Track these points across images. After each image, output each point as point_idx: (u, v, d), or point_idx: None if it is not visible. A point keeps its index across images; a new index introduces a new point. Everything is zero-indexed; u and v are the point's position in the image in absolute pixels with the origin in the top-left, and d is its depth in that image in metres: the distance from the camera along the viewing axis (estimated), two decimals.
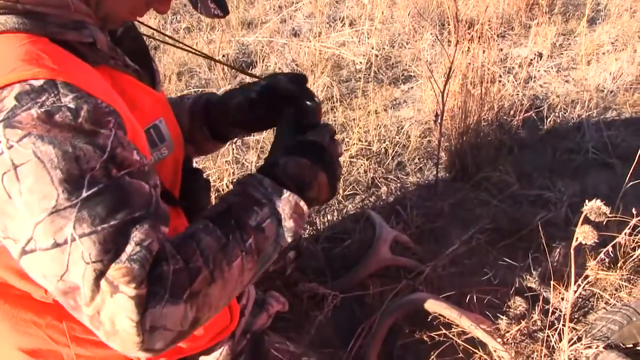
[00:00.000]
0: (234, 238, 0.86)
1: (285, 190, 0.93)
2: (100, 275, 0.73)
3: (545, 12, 3.41)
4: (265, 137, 2.55)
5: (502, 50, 3.23)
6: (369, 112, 2.66)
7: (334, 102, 2.78)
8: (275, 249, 0.92)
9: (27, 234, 0.73)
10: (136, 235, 0.76)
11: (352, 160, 2.45)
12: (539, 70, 3.07)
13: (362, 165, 2.42)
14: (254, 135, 2.57)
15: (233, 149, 2.47)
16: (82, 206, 0.73)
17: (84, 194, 0.74)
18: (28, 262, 0.76)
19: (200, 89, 2.91)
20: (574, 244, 1.22)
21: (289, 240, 0.93)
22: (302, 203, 0.94)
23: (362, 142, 2.52)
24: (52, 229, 0.73)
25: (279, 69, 3.04)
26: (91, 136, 0.76)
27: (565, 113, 2.74)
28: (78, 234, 0.73)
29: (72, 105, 0.75)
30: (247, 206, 0.90)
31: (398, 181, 2.41)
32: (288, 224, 0.92)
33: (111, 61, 0.95)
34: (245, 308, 1.34)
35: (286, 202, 0.92)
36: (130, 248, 0.75)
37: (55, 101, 0.74)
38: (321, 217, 2.24)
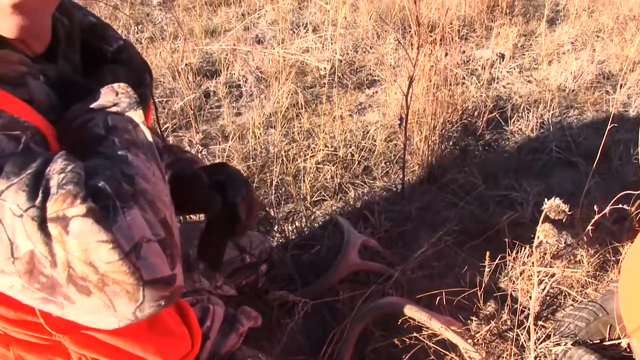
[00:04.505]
0: (107, 150, 0.77)
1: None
2: (41, 220, 0.65)
3: (506, 14, 3.46)
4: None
5: (464, 52, 3.26)
6: (334, 117, 2.66)
7: (299, 109, 2.78)
8: (134, 127, 0.80)
9: None
10: (55, 168, 0.69)
11: (318, 166, 2.45)
12: (501, 71, 3.10)
13: (328, 171, 2.42)
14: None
15: None
16: None
17: None
18: None
19: (165, 99, 2.88)
20: (536, 242, 1.23)
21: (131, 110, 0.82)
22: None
23: (328, 147, 2.52)
24: None
25: (243, 77, 3.02)
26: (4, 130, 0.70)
27: (528, 113, 2.77)
28: None
29: None
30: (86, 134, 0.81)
31: (365, 186, 2.41)
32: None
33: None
34: (210, 330, 1.29)
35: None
36: (55, 179, 0.67)
37: None
38: (289, 224, 2.23)
